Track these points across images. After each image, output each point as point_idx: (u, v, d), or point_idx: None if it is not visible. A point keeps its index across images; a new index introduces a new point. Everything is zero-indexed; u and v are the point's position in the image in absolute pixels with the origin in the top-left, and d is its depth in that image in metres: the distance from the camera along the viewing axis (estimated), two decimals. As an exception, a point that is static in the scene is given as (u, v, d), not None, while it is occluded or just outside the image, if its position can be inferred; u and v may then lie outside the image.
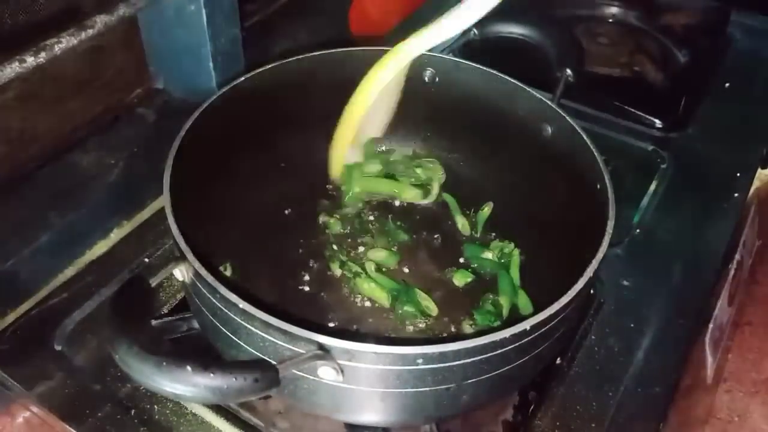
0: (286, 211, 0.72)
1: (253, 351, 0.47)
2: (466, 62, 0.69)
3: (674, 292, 0.71)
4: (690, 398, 0.74)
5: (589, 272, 0.49)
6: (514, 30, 0.73)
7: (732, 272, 0.79)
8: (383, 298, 0.64)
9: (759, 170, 0.87)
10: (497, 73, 0.68)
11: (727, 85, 0.99)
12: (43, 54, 0.64)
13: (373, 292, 0.64)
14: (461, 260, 0.68)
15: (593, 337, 0.66)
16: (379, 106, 0.68)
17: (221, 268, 0.64)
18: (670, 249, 0.75)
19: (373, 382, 0.46)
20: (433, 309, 0.63)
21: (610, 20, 1.08)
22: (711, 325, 0.74)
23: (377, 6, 1.13)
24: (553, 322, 0.48)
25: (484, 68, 0.68)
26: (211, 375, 0.39)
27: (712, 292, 0.74)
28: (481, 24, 0.74)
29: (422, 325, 0.62)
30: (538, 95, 0.65)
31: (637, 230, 0.76)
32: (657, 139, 0.88)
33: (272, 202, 0.71)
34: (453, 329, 0.62)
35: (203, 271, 0.47)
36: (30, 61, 0.64)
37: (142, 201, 0.75)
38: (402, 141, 0.76)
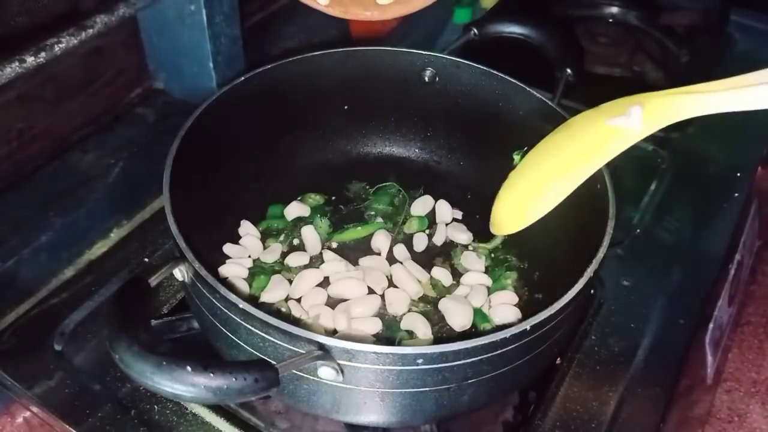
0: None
1: (253, 351, 0.47)
2: (466, 62, 0.69)
3: (674, 292, 0.71)
4: (690, 398, 0.74)
5: (589, 272, 0.49)
6: (514, 30, 0.73)
7: (732, 272, 0.79)
8: None
9: (759, 170, 0.87)
10: (497, 73, 0.68)
11: (727, 85, 0.98)
12: (43, 54, 0.65)
13: None
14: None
15: (593, 337, 0.66)
16: None
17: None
18: (670, 249, 0.75)
19: (373, 382, 0.46)
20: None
21: (610, 20, 1.08)
22: (711, 325, 0.74)
23: (377, 6, 1.12)
24: (553, 322, 0.48)
25: (484, 68, 0.68)
26: (211, 375, 0.39)
27: (712, 292, 0.74)
28: (481, 24, 0.74)
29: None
30: (538, 95, 0.65)
31: (637, 230, 0.76)
32: (657, 139, 0.87)
33: (272, 202, 0.71)
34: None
35: (203, 271, 0.47)
36: (30, 61, 0.64)
37: (142, 201, 0.75)
38: (402, 141, 0.76)
